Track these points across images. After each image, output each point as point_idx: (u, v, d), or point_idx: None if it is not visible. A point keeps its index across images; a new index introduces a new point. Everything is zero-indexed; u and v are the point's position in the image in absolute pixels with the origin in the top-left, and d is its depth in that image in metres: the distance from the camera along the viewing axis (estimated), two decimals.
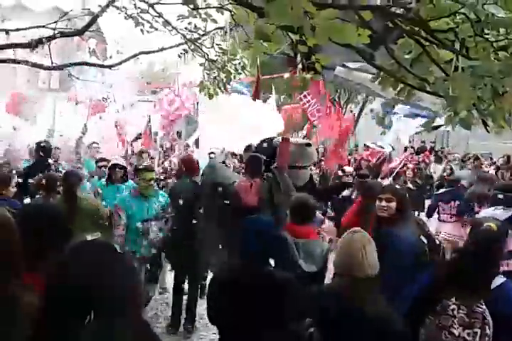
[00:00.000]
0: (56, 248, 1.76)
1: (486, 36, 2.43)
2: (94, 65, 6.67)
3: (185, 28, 4.87)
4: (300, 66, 4.10)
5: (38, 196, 4.73)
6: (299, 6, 2.02)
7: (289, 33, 2.70)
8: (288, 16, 1.97)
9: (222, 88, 4.97)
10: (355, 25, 3.10)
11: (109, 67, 5.72)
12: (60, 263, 1.33)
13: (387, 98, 6.16)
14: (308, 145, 5.43)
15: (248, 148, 6.37)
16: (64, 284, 1.24)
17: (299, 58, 4.08)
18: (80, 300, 1.21)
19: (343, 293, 2.04)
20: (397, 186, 5.03)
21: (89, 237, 1.43)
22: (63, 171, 5.37)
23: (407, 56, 3.47)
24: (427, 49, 2.71)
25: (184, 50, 5.10)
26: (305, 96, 7.41)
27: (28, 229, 1.76)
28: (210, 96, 4.99)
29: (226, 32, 4.80)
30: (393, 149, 9.21)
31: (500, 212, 4.10)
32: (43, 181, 4.50)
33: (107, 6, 4.71)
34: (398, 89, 3.73)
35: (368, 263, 2.06)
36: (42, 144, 6.38)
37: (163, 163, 8.89)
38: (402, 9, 2.89)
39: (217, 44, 4.91)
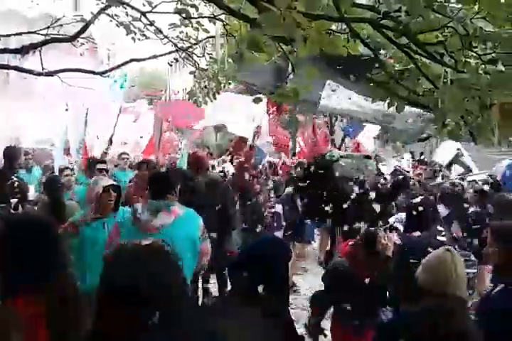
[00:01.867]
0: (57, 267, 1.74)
1: (475, 50, 2.47)
2: (85, 71, 6.65)
3: (177, 37, 4.89)
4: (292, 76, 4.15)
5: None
6: (291, 17, 2.04)
7: (281, 44, 2.72)
8: (280, 27, 1.98)
9: (212, 97, 4.99)
10: (347, 37, 3.18)
11: (101, 73, 5.70)
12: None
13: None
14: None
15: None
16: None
17: (290, 68, 4.13)
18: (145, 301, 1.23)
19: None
20: None
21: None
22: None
23: (397, 68, 3.52)
24: (417, 62, 2.75)
25: (175, 58, 5.12)
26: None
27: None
28: (199, 104, 5.00)
29: (220, 43, 4.84)
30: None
31: None
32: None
33: (99, 13, 4.71)
34: (388, 100, 3.78)
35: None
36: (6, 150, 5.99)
37: None
38: (392, 22, 2.94)
39: (208, 53, 4.94)
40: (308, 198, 5.05)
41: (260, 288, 1.84)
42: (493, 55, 2.30)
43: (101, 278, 1.35)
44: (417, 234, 3.36)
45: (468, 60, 2.48)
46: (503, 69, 2.17)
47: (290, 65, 4.18)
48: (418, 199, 3.67)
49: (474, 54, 2.37)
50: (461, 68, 2.59)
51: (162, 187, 3.22)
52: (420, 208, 3.39)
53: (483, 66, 2.43)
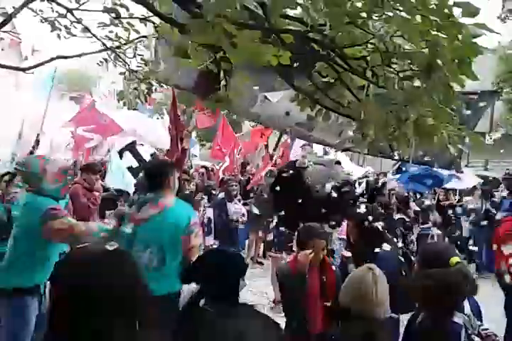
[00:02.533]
0: None
1: (394, 66, 2.61)
2: (8, 67, 6.23)
3: (106, 37, 4.73)
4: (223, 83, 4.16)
5: None
6: (220, 25, 2.05)
7: (211, 51, 2.72)
8: (208, 35, 1.98)
9: (143, 99, 4.87)
10: (278, 47, 3.24)
11: (24, 69, 5.37)
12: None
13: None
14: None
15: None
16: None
17: (221, 75, 4.14)
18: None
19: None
20: None
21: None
22: None
23: (324, 79, 3.64)
24: (342, 74, 2.86)
25: (104, 58, 4.95)
26: None
27: None
28: (129, 106, 4.87)
29: (153, 45, 4.74)
30: None
31: None
32: None
33: (22, 7, 4.45)
34: (316, 110, 3.90)
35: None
36: None
37: None
38: (320, 35, 3.04)
39: (139, 54, 4.83)
40: (285, 209, 4.90)
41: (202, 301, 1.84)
42: (410, 72, 2.44)
43: (50, 278, 1.36)
44: None
45: (389, 75, 2.62)
46: (419, 85, 2.32)
47: (222, 71, 4.21)
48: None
49: (392, 70, 2.51)
50: (381, 83, 2.74)
51: (152, 180, 3.24)
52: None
53: (403, 82, 2.58)
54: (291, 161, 5.53)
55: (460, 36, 2.14)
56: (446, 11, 2.00)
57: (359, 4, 2.78)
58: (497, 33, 2.14)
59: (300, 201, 4.70)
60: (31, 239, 3.04)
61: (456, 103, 2.45)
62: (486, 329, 2.18)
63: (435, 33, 2.10)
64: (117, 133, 7.94)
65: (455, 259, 2.22)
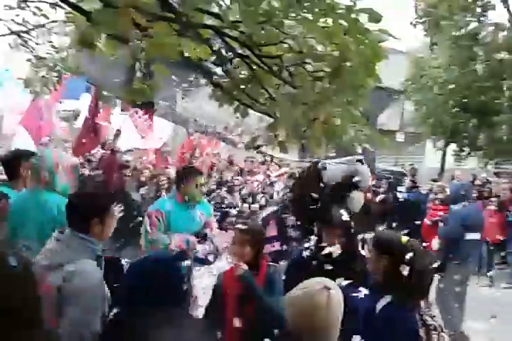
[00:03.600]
0: None
1: (307, 66, 2.68)
2: None
3: (12, 20, 4.38)
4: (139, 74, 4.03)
5: None
6: (129, 15, 1.96)
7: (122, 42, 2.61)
8: (116, 26, 1.89)
9: (52, 87, 4.58)
10: (197, 42, 3.20)
11: None
12: None
13: None
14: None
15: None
16: None
17: (137, 65, 4.01)
18: None
19: None
20: None
21: None
22: None
23: (241, 76, 3.66)
24: (257, 72, 2.89)
25: (9, 43, 4.58)
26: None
27: None
28: (36, 95, 4.55)
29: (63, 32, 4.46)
30: None
31: None
32: None
33: None
34: (234, 106, 3.91)
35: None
36: None
37: None
38: (237, 32, 3.04)
39: (48, 41, 4.52)
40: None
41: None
42: (321, 73, 2.52)
43: None
44: None
45: (302, 75, 2.69)
46: (328, 85, 2.40)
47: (138, 62, 4.08)
48: None
49: (305, 70, 2.57)
50: (297, 83, 2.81)
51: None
52: None
53: (315, 82, 2.66)
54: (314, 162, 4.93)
55: (367, 41, 2.24)
56: (353, 16, 2.08)
57: (276, 4, 2.84)
58: (396, 38, 2.28)
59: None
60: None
61: (363, 104, 2.57)
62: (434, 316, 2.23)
63: (345, 37, 2.18)
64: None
65: (405, 238, 2.32)
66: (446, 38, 12.31)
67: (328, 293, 1.72)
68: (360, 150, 2.85)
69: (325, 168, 3.82)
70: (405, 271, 2.17)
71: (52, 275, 1.84)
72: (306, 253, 2.76)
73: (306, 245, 2.80)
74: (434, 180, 13.27)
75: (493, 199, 8.74)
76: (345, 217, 2.74)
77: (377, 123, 17.12)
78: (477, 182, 13.98)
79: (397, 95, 15.98)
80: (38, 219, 2.73)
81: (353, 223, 3.17)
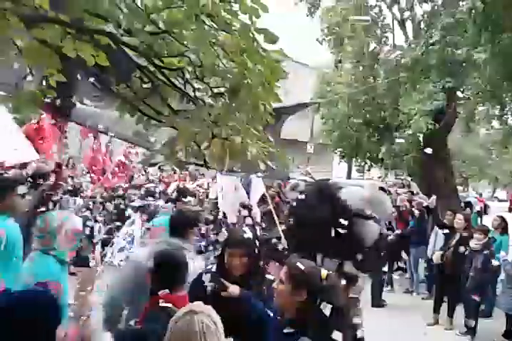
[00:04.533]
0: None
1: (207, 81, 2.61)
2: None
3: None
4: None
5: None
6: (4, 17, 1.75)
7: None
8: None
9: None
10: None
11: None
12: None
13: None
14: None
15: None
16: None
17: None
18: None
19: None
20: None
21: None
22: None
23: (145, 86, 3.50)
24: (157, 84, 2.77)
25: None
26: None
27: None
28: None
29: None
30: None
31: None
32: None
33: None
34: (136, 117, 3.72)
35: None
36: None
37: None
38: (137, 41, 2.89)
39: None
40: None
41: None
42: (221, 89, 2.46)
43: None
44: None
45: (203, 90, 2.61)
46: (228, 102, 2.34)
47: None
48: None
49: (206, 85, 2.50)
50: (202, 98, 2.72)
51: None
52: None
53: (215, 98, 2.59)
54: (323, 180, 4.17)
55: (264, 60, 2.22)
56: (250, 35, 2.05)
57: (179, 15, 2.75)
58: (290, 58, 2.29)
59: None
60: None
61: (263, 122, 2.55)
62: None
63: (242, 55, 2.13)
64: None
65: (324, 272, 2.11)
66: (349, 56, 13.07)
67: (191, 317, 1.55)
68: (263, 167, 2.82)
69: (340, 188, 3.31)
70: (327, 309, 1.99)
71: None
72: (206, 277, 2.49)
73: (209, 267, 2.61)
74: None
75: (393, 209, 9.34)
76: (248, 235, 2.48)
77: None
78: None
79: (307, 107, 16.64)
80: None
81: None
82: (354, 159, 15.13)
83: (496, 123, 12.86)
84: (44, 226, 2.92)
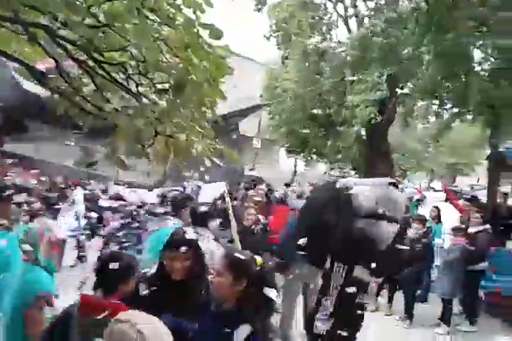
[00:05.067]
0: None
1: (150, 77, 2.55)
2: None
3: None
4: None
5: None
6: None
7: None
8: None
9: None
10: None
11: None
12: None
13: None
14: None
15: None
16: None
17: None
18: None
19: None
20: None
21: None
22: None
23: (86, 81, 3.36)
24: (96, 79, 2.66)
25: None
26: None
27: None
28: None
29: None
30: None
31: None
32: None
33: None
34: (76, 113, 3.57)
35: None
36: None
37: None
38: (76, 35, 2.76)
39: None
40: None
41: None
42: (165, 85, 2.41)
43: None
44: None
45: (146, 86, 2.55)
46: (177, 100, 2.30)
47: None
48: None
49: (149, 81, 2.44)
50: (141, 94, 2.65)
51: None
52: None
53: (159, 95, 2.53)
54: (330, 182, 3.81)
55: (210, 56, 2.19)
56: (195, 30, 2.02)
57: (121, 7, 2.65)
58: (237, 54, 2.27)
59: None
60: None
61: (206, 118, 2.53)
62: None
63: (186, 51, 2.10)
64: None
65: (259, 259, 2.12)
66: (296, 52, 13.22)
67: (111, 326, 1.48)
68: (208, 164, 2.80)
69: (348, 189, 3.08)
70: (271, 292, 2.01)
71: None
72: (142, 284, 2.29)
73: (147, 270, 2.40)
74: (287, 185, 14.16)
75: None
76: (190, 235, 2.34)
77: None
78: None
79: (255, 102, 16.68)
80: None
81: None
82: (301, 154, 15.37)
83: (432, 118, 13.49)
84: (25, 239, 2.90)
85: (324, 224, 3.05)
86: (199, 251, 2.32)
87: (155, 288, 2.24)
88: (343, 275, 3.04)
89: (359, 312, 3.11)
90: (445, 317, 5.89)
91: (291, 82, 12.90)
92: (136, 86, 2.62)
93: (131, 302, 1.95)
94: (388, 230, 3.02)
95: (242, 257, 2.10)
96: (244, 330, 1.95)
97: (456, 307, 6.15)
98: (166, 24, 2.14)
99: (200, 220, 4.22)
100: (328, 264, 3.05)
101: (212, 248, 3.77)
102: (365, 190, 3.12)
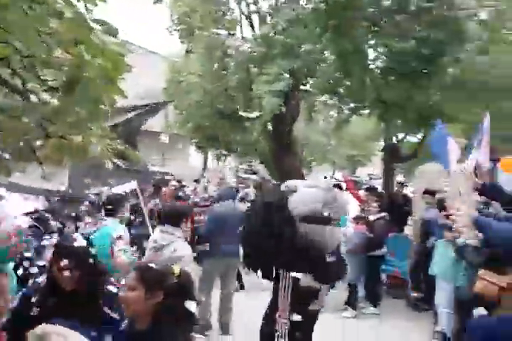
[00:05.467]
0: None
1: (40, 74, 2.35)
2: None
3: None
4: None
5: None
6: None
7: None
8: None
9: None
10: None
11: None
12: None
13: None
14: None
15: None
16: None
17: None
18: None
19: None
20: None
21: None
22: None
23: None
24: None
25: None
26: None
27: None
28: None
29: None
30: None
31: None
32: None
33: None
34: None
35: None
36: None
37: None
38: None
39: None
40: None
41: None
42: (57, 82, 2.23)
43: None
44: None
45: (35, 84, 2.34)
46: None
47: None
48: None
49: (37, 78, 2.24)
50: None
51: None
52: None
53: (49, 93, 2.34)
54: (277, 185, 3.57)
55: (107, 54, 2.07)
56: (86, 25, 1.89)
57: None
58: (131, 51, 2.18)
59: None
60: None
61: (103, 118, 2.40)
62: None
63: (79, 48, 1.95)
64: None
65: (177, 268, 2.02)
66: (199, 46, 13.10)
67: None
68: (110, 166, 2.66)
69: (294, 192, 2.96)
70: (192, 306, 1.92)
71: None
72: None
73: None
74: (196, 181, 14.07)
75: None
76: (79, 243, 2.16)
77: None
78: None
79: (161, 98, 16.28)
80: None
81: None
82: (210, 148, 15.33)
83: (333, 113, 14.23)
84: None
85: (269, 231, 2.86)
86: (89, 259, 2.16)
87: (47, 297, 2.09)
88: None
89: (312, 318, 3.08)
90: (351, 302, 6.27)
91: (195, 76, 12.76)
92: (23, 83, 2.40)
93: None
94: (332, 233, 2.97)
95: (155, 267, 2.00)
96: None
97: (361, 291, 6.56)
98: (55, 17, 1.97)
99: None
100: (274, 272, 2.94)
101: (183, 250, 3.71)
102: (309, 192, 3.01)
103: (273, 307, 2.92)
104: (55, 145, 2.11)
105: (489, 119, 4.87)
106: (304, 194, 2.96)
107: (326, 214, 2.95)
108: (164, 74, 14.64)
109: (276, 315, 2.85)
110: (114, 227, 3.95)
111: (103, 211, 4.44)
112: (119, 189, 6.31)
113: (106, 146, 2.57)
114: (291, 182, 3.08)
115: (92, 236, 3.03)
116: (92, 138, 2.32)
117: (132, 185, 6.03)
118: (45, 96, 2.25)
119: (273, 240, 2.83)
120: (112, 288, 2.26)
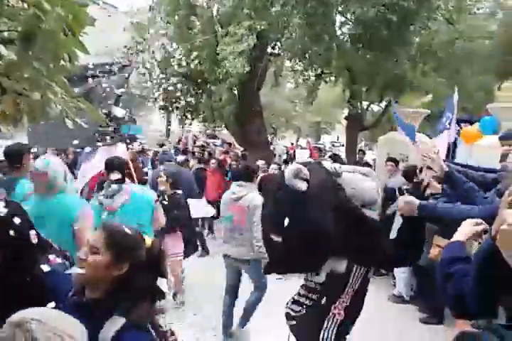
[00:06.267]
0: None
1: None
2: None
3: None
4: None
5: None
6: None
7: None
8: None
9: None
10: None
11: None
12: None
13: None
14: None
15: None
16: None
17: None
18: None
19: None
20: None
21: None
22: None
23: None
24: None
25: None
26: None
27: None
28: None
29: None
30: None
31: None
32: None
33: None
34: None
35: None
36: None
37: None
38: None
39: None
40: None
41: None
42: (13, 33, 2.08)
43: None
44: None
45: None
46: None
47: None
48: None
49: None
50: None
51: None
52: None
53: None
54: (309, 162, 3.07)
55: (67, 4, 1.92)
56: None
57: None
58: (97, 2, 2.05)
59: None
60: None
61: (65, 73, 2.26)
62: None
63: None
64: None
65: (149, 239, 1.78)
66: (164, 3, 12.50)
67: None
68: (71, 126, 2.53)
69: (339, 175, 2.65)
70: (163, 284, 1.71)
71: None
72: None
73: None
74: (161, 145, 13.82)
75: (213, 160, 9.66)
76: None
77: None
78: (199, 143, 15.28)
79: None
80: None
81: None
82: (174, 112, 14.96)
83: (299, 79, 14.10)
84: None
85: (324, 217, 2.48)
86: (7, 233, 1.79)
87: None
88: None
89: None
90: None
91: (159, 35, 12.25)
92: None
93: None
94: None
95: (128, 231, 1.72)
96: (113, 325, 1.59)
97: None
98: None
99: None
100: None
101: (259, 200, 3.93)
102: (363, 179, 2.75)
103: (330, 299, 2.69)
104: (12, 101, 1.98)
105: (457, 95, 5.01)
106: (358, 180, 2.71)
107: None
108: (126, 32, 13.95)
109: (332, 307, 2.67)
110: None
111: None
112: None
113: (66, 104, 2.44)
114: (336, 165, 2.75)
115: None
116: (52, 95, 2.20)
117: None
118: (0, 48, 2.09)
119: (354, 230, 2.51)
120: (45, 267, 1.92)
